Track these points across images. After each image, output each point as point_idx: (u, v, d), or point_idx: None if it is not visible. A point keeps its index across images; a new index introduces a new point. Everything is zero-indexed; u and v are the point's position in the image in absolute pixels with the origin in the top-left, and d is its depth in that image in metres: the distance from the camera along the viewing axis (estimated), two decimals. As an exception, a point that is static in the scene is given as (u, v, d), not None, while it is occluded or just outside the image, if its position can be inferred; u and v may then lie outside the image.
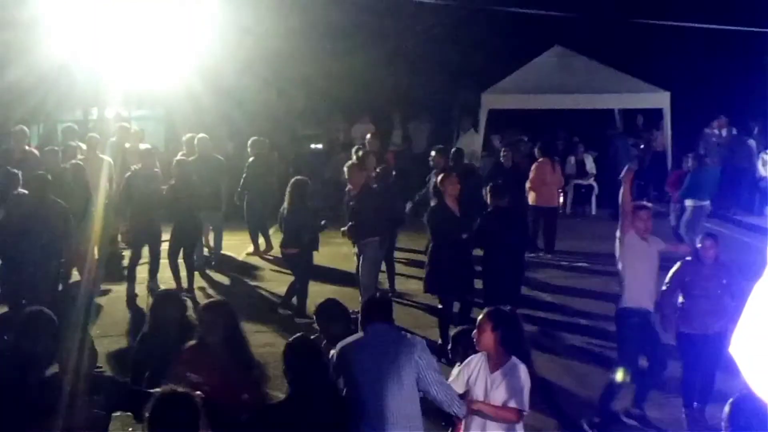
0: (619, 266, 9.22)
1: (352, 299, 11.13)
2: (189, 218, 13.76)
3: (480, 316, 6.80)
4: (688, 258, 9.29)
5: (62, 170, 13.66)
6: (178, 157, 14.69)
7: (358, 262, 12.67)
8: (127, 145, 16.14)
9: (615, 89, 20.50)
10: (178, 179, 13.72)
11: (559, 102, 20.59)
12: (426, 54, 21.07)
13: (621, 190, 9.29)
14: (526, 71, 20.83)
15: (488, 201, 11.53)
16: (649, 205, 9.93)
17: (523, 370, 6.63)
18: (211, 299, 8.97)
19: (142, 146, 15.85)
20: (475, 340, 6.75)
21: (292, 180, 12.89)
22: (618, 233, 9.21)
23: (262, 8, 20.02)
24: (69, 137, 16.35)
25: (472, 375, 6.70)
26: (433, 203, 12.10)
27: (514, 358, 6.64)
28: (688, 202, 15.84)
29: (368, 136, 16.78)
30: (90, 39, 18.00)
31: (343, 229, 12.70)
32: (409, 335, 6.87)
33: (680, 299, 9.14)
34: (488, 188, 11.70)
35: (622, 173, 9.39)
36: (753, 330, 1.96)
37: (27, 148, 15.35)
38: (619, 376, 8.90)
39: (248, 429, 6.24)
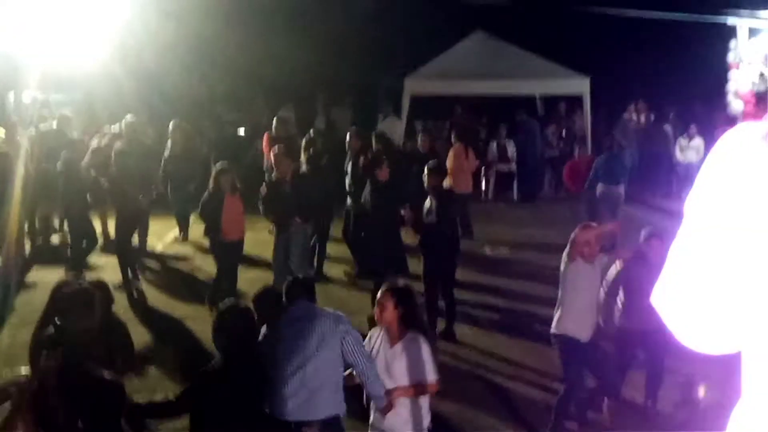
0: (560, 291, 8.81)
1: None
2: (134, 205, 13.61)
3: (380, 293, 6.94)
4: (630, 259, 8.99)
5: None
6: (117, 144, 14.41)
7: (279, 247, 12.61)
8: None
9: (536, 75, 20.64)
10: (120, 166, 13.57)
11: (481, 88, 20.67)
12: (349, 38, 21.01)
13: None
14: (448, 56, 20.89)
15: (427, 182, 11.59)
16: (593, 224, 9.44)
17: (423, 342, 6.83)
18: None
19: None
20: (375, 316, 6.93)
21: (216, 167, 12.78)
22: (564, 256, 8.73)
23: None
24: None
25: (372, 350, 6.88)
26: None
27: (412, 332, 6.83)
28: (600, 187, 15.94)
29: (274, 120, 16.72)
30: (4, 20, 17.66)
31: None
32: (334, 311, 7.00)
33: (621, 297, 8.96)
34: (427, 169, 11.75)
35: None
36: (674, 281, 2.11)
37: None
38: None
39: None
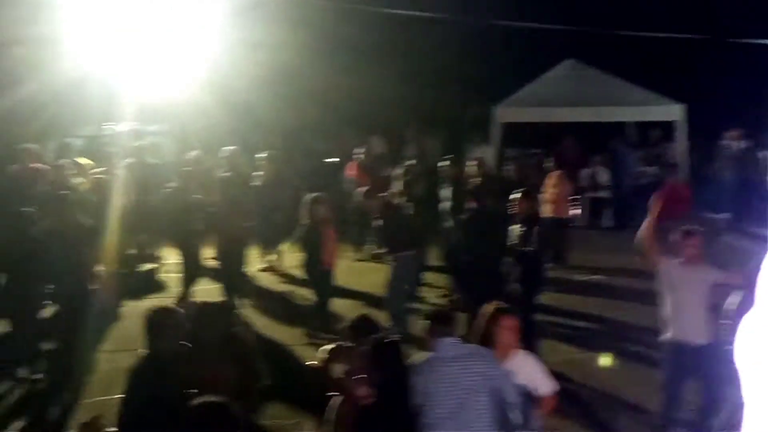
0: (663, 295, 8.71)
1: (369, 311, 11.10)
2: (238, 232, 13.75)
3: (496, 313, 7.05)
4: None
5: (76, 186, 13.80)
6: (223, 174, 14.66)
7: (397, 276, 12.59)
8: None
9: (628, 102, 20.42)
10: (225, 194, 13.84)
11: (573, 115, 20.52)
12: (438, 67, 21.06)
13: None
14: (538, 84, 20.82)
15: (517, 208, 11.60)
16: (696, 228, 9.21)
17: (533, 357, 7.12)
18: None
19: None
20: (499, 336, 6.91)
21: (310, 197, 12.86)
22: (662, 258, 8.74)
23: (274, 23, 20.05)
24: (65, 154, 16.42)
25: None
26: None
27: (521, 349, 7.02)
28: (700, 216, 15.63)
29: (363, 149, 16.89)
30: (103, 54, 18.10)
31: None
32: (477, 347, 6.92)
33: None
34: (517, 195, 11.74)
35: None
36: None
37: (38, 165, 15.33)
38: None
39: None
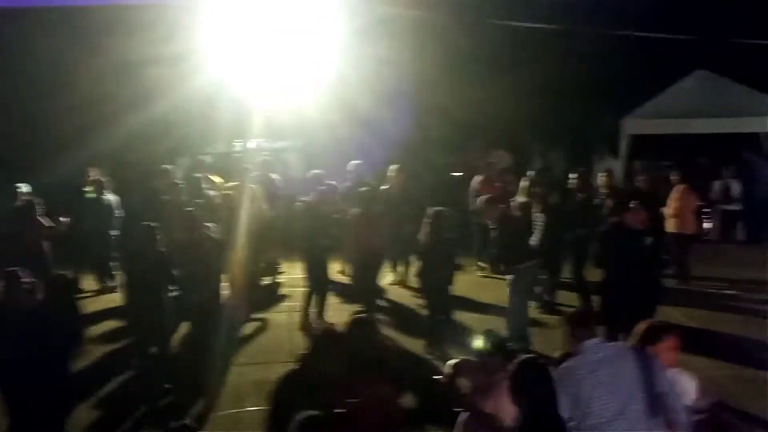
0: None
1: (492, 325, 11.04)
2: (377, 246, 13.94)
3: (660, 330, 6.84)
4: None
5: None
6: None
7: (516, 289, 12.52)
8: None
9: (760, 112, 19.82)
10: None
11: (704, 126, 20.03)
12: (563, 80, 20.83)
13: None
14: (668, 95, 20.41)
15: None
16: None
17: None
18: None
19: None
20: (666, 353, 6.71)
21: (432, 211, 12.89)
22: None
23: (399, 39, 20.17)
24: (198, 170, 16.87)
25: None
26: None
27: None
28: None
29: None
30: (234, 72, 18.53)
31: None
32: (624, 345, 6.83)
33: None
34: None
35: None
36: None
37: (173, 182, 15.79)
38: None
39: None
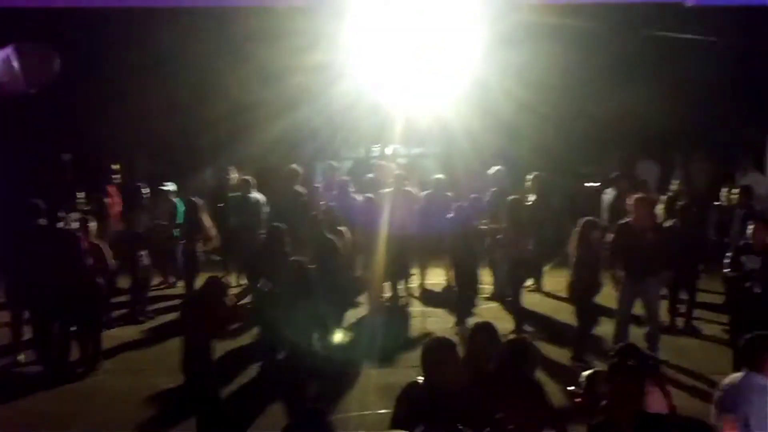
0: None
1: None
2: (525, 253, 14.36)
3: None
4: None
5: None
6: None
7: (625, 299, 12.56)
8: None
9: None
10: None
11: None
12: (710, 89, 20.35)
13: None
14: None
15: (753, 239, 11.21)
16: None
17: None
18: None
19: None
20: None
21: (582, 221, 12.80)
22: None
23: (542, 44, 20.04)
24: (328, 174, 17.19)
25: None
26: None
27: None
28: None
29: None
30: (375, 79, 18.77)
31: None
32: None
33: None
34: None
35: None
36: None
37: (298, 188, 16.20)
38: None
39: None
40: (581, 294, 12.62)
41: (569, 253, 12.84)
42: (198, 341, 9.19)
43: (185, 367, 9.26)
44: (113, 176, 18.13)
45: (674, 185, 17.71)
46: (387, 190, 16.03)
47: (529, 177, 16.72)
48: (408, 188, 16.64)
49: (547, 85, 20.52)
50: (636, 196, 13.26)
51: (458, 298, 14.51)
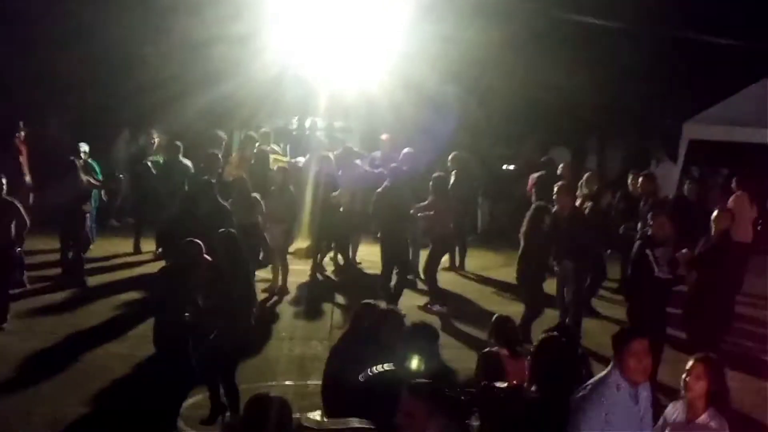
0: None
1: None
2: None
3: (694, 362, 6.55)
4: None
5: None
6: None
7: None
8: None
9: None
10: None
11: (765, 136, 19.77)
12: (629, 79, 20.69)
13: None
14: (731, 102, 20.08)
15: None
16: None
17: (725, 423, 6.46)
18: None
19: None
20: (684, 384, 6.53)
21: (534, 206, 13.16)
22: None
23: (465, 17, 20.15)
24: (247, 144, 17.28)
25: (671, 419, 6.63)
26: None
27: (713, 409, 6.46)
28: None
29: (561, 166, 16.82)
30: (298, 51, 18.73)
31: None
32: None
33: None
34: None
35: None
36: None
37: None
38: None
39: None
40: (531, 280, 12.86)
41: (520, 237, 13.00)
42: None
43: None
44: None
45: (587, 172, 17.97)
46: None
47: (450, 156, 16.91)
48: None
49: (470, 60, 20.66)
50: (559, 183, 13.55)
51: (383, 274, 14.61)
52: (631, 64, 20.57)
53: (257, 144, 17.32)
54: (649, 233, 11.59)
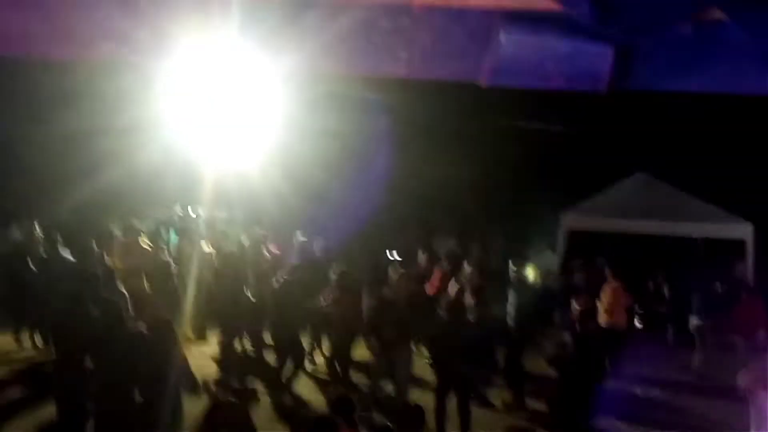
0: None
1: None
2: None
3: None
4: None
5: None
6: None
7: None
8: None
9: (698, 218, 20.34)
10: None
11: (640, 227, 20.47)
12: (507, 169, 21.20)
13: None
14: (608, 194, 20.83)
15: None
16: None
17: None
18: None
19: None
20: None
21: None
22: None
23: (345, 112, 20.41)
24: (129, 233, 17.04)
25: None
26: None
27: None
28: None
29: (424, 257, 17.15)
30: (180, 142, 18.61)
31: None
32: None
33: None
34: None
35: None
36: None
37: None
38: None
39: None
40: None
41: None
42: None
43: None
44: None
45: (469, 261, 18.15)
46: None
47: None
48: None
49: (352, 152, 20.87)
50: (400, 271, 13.70)
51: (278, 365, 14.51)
52: (511, 155, 21.07)
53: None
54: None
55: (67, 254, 16.14)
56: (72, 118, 17.80)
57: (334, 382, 14.26)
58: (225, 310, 15.48)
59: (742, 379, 9.62)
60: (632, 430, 13.44)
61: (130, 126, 17.63)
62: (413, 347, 13.50)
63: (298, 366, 14.35)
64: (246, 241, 17.63)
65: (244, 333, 15.95)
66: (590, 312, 11.69)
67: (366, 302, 14.18)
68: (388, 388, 13.17)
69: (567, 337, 11.43)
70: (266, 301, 14.97)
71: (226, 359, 15.41)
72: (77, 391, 9.91)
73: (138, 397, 9.20)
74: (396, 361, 12.85)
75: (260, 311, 15.26)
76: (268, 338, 15.47)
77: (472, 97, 19.58)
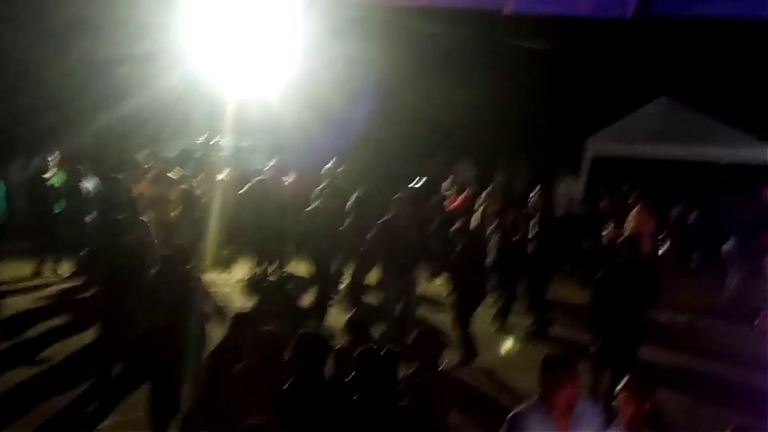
0: None
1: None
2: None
3: (623, 385, 6.19)
4: None
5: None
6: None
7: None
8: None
9: (723, 143, 20.15)
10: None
11: (664, 152, 20.30)
12: (533, 96, 21.03)
13: None
14: (632, 120, 20.64)
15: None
16: None
17: None
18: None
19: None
20: (620, 404, 6.15)
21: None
22: None
23: (368, 39, 20.25)
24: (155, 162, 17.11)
25: None
26: None
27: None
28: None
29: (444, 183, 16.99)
30: (203, 70, 18.55)
31: None
32: None
33: None
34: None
35: None
36: None
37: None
38: None
39: None
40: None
41: None
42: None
43: None
44: None
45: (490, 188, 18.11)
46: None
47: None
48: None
49: (374, 80, 20.76)
50: (397, 196, 13.62)
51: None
52: (538, 80, 20.90)
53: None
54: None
55: (91, 183, 16.21)
56: (95, 46, 17.76)
57: (353, 307, 14.31)
58: (249, 238, 15.55)
59: None
60: (662, 357, 13.26)
61: (152, 54, 17.60)
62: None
63: (327, 292, 14.38)
64: (268, 170, 17.54)
65: (269, 260, 16.05)
66: (634, 240, 11.38)
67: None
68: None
69: (607, 264, 11.16)
70: (291, 227, 15.05)
71: (251, 286, 15.59)
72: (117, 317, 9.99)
73: (163, 321, 9.29)
74: (403, 287, 12.84)
75: (284, 237, 15.35)
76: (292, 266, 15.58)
77: (496, 25, 19.44)
